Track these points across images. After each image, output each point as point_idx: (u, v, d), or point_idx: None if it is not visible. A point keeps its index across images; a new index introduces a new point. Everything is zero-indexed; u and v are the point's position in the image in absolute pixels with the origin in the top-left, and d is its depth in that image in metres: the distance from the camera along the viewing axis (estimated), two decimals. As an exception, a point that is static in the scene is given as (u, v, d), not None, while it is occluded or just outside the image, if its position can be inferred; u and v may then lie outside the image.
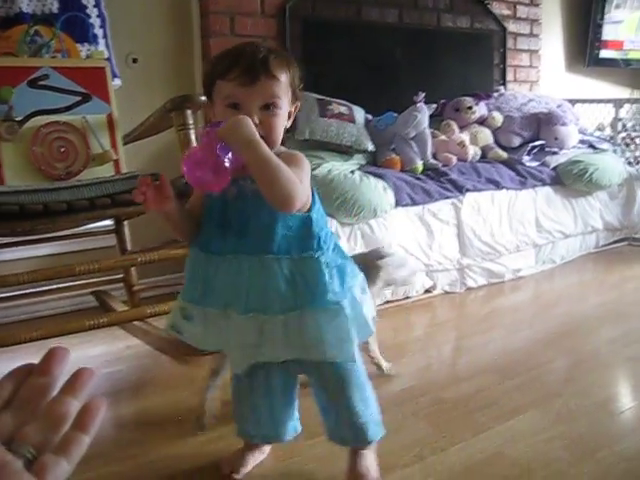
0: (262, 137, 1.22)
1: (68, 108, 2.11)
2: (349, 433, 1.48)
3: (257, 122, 1.24)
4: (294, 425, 1.58)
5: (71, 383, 0.55)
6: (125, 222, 2.68)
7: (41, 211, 1.85)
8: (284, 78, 1.28)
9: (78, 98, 2.13)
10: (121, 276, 2.74)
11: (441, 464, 1.57)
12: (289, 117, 1.35)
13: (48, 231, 2.40)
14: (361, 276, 1.45)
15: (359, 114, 3.30)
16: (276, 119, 1.29)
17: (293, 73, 1.32)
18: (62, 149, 2.08)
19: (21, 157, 2.04)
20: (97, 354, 2.39)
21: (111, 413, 2.05)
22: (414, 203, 2.96)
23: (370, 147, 3.21)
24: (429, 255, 2.99)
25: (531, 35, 4.46)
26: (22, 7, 2.46)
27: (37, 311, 2.84)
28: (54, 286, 2.59)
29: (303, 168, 1.29)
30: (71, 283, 2.62)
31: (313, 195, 1.35)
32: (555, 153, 3.64)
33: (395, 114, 3.29)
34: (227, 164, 1.18)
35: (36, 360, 0.56)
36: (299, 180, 1.23)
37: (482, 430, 1.74)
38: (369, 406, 1.47)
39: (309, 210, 1.33)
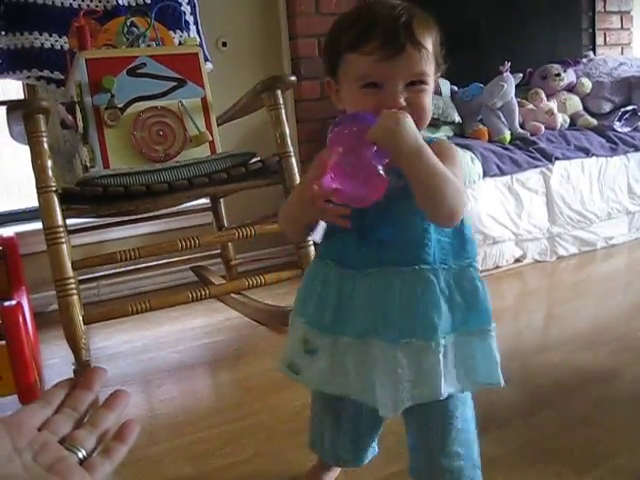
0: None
1: (165, 94, 2.22)
2: (441, 476, 1.17)
3: (404, 104, 0.99)
4: (373, 448, 1.34)
5: (111, 400, 0.69)
6: (221, 200, 2.80)
7: (144, 192, 1.96)
8: (431, 45, 1.03)
9: (174, 84, 2.23)
10: (218, 251, 2.86)
11: (530, 427, 1.61)
12: None
13: (149, 211, 2.54)
14: None
15: (445, 86, 3.31)
16: (426, 97, 1.03)
17: (437, 36, 1.06)
18: (161, 132, 2.19)
19: (123, 141, 2.16)
20: (198, 326, 2.53)
21: (212, 380, 2.17)
22: (502, 173, 2.96)
23: (457, 119, 3.22)
24: (518, 224, 2.99)
25: (622, -5, 4.33)
26: (118, 0, 2.59)
27: (140, 287, 3.00)
28: (155, 262, 2.73)
29: (458, 165, 1.04)
30: (171, 259, 2.76)
31: None
32: (648, 117, 3.55)
33: (481, 85, 3.29)
34: (381, 171, 0.93)
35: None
36: (460, 183, 0.99)
37: (571, 395, 1.76)
38: (471, 447, 1.18)
39: None
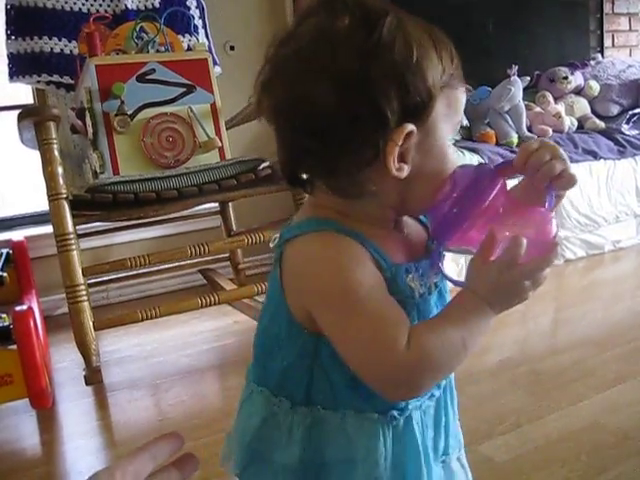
0: None
1: (174, 100, 2.23)
2: None
3: None
4: None
5: (181, 463, 0.69)
6: (230, 203, 2.81)
7: (153, 198, 1.98)
8: None
9: (183, 89, 2.25)
10: (227, 255, 2.87)
11: (538, 432, 1.62)
12: None
13: (158, 215, 2.55)
14: None
15: (452, 89, 3.31)
16: None
17: None
18: (170, 139, 2.21)
19: (133, 148, 2.17)
20: (206, 329, 2.54)
21: (221, 384, 2.18)
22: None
23: (464, 122, 3.22)
24: (525, 228, 2.99)
25: (630, -4, 4.32)
26: (127, 4, 2.61)
27: (148, 290, 3.01)
28: (164, 266, 2.75)
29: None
30: (180, 263, 2.77)
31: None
32: (657, 120, 3.55)
33: (489, 88, 3.29)
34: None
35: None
36: None
37: (579, 400, 1.77)
38: None
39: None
